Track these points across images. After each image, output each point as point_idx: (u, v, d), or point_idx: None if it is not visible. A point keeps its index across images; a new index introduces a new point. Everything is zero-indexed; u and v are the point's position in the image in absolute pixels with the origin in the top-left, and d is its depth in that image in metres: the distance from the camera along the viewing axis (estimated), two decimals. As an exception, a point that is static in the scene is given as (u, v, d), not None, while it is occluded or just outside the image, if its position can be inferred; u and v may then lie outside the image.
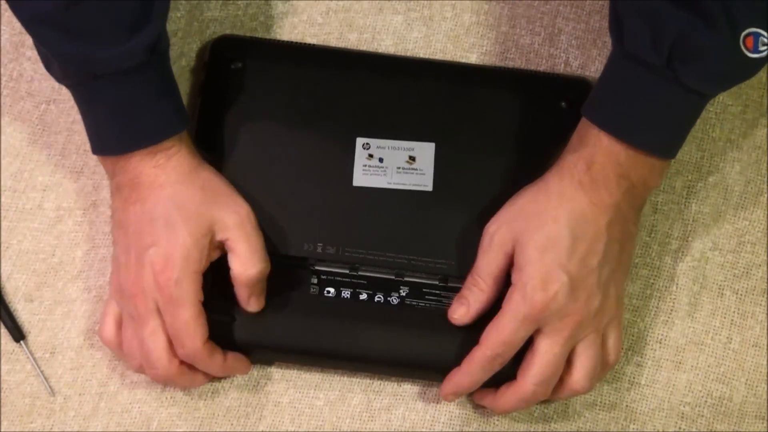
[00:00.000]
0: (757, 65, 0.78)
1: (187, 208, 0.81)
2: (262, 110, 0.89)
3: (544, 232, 0.80)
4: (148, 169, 0.81)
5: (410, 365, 0.85)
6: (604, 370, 0.84)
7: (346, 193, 0.88)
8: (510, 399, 0.82)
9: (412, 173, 0.88)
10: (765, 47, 0.76)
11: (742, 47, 0.76)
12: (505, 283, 0.82)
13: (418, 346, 0.84)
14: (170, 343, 0.81)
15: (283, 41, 0.94)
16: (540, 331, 0.80)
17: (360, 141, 0.89)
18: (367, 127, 0.89)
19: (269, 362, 0.88)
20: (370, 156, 0.89)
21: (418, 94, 0.90)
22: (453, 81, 0.90)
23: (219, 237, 0.82)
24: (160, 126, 0.81)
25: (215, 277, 0.83)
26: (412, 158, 0.89)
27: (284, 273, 0.86)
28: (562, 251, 0.79)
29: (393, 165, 0.88)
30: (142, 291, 0.80)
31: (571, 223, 0.80)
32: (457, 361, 0.83)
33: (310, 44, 0.94)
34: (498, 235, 0.82)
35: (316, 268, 0.87)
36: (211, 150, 0.88)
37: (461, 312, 0.84)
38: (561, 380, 0.82)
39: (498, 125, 0.89)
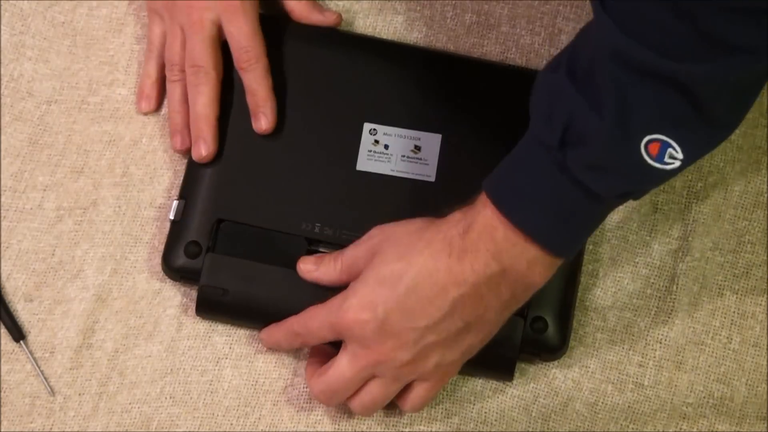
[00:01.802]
0: (662, 176, 0.71)
1: None
2: (273, 87, 0.89)
3: (393, 267, 0.78)
4: None
5: None
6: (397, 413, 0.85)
7: (349, 176, 0.88)
8: (311, 388, 0.83)
9: (416, 162, 0.88)
10: (675, 161, 0.70)
11: (643, 152, 0.70)
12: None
13: None
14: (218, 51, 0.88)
15: (296, 22, 0.94)
16: (344, 346, 0.80)
17: (367, 126, 0.89)
18: (376, 113, 0.89)
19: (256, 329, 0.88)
20: (376, 142, 0.89)
21: (429, 85, 0.90)
22: (464, 74, 0.91)
23: None
24: None
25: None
26: (418, 148, 0.89)
27: (279, 249, 0.86)
28: (394, 295, 0.77)
29: (398, 153, 0.89)
30: (200, 3, 0.87)
31: (419, 278, 0.77)
32: None
33: (323, 27, 0.94)
34: (373, 240, 0.81)
35: (311, 248, 0.87)
36: (221, 124, 0.89)
37: (308, 267, 0.85)
38: (334, 395, 0.82)
39: (506, 122, 0.87)
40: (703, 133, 0.71)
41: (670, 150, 0.70)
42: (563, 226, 0.74)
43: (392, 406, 0.84)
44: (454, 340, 0.79)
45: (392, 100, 0.90)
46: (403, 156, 0.89)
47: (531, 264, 0.75)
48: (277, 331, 0.84)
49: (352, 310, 0.78)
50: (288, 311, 0.84)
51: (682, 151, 0.70)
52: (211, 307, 0.86)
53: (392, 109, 0.89)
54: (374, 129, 0.89)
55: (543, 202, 0.74)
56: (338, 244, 0.86)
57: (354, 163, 0.88)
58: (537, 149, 0.74)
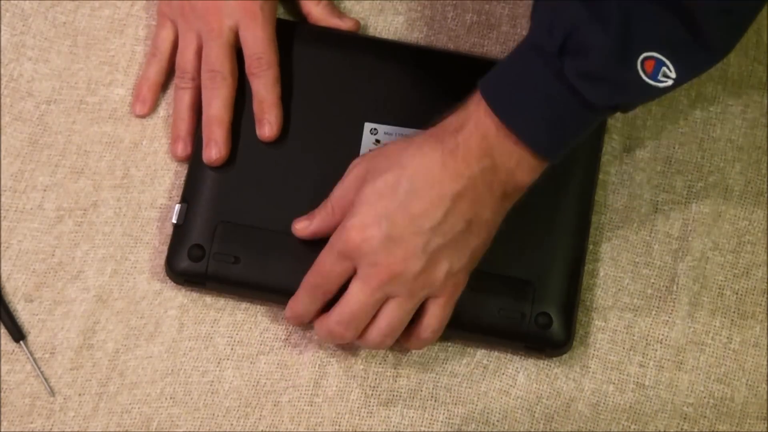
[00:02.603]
0: (654, 92, 0.74)
1: None
2: (282, 96, 0.89)
3: (387, 177, 0.78)
4: None
5: None
6: (413, 341, 0.83)
7: None
8: (318, 329, 0.83)
9: None
10: (668, 79, 0.73)
11: (639, 68, 0.73)
12: None
13: None
14: (235, 58, 0.89)
15: (296, 22, 0.94)
16: (355, 274, 0.80)
17: (368, 126, 0.89)
18: (376, 113, 0.89)
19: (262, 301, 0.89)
20: (377, 141, 0.89)
21: (429, 83, 0.90)
22: (464, 72, 0.89)
23: None
24: None
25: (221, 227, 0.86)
26: None
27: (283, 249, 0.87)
28: (394, 202, 0.78)
29: None
30: (220, 9, 0.88)
31: (415, 178, 0.78)
32: None
33: (324, 27, 0.93)
34: (356, 168, 0.82)
35: None
36: (231, 124, 0.88)
37: (302, 224, 0.84)
38: (352, 324, 0.81)
39: None
40: (698, 56, 0.74)
41: (664, 68, 0.73)
42: (552, 130, 0.76)
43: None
44: (459, 242, 0.79)
45: (392, 99, 0.90)
46: None
47: (519, 163, 0.77)
48: (297, 299, 0.83)
49: (355, 229, 0.78)
50: (300, 278, 0.84)
51: (676, 71, 0.73)
52: (223, 276, 0.86)
53: (393, 108, 0.89)
54: (375, 128, 0.89)
55: (535, 105, 0.76)
56: None
57: None
58: (534, 55, 0.75)
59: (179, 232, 0.87)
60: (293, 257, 0.86)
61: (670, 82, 0.74)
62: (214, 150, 0.88)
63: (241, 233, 0.87)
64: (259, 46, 0.88)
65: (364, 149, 0.88)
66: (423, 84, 0.90)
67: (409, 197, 0.78)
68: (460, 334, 0.87)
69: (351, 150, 0.88)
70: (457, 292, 0.82)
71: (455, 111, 0.79)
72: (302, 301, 0.83)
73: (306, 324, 0.85)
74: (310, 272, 0.82)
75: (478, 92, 0.78)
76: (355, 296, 0.80)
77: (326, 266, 0.81)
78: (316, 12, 0.92)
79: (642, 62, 0.73)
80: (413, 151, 0.79)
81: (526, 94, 0.76)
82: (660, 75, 0.73)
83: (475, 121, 0.77)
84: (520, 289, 0.85)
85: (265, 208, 0.87)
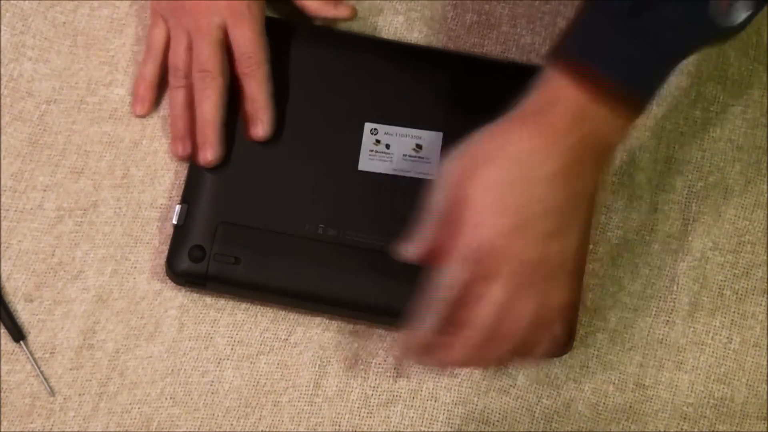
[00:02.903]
0: (727, 32, 0.75)
1: None
2: (274, 89, 0.89)
3: (489, 173, 0.75)
4: None
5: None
6: (541, 328, 0.78)
7: (351, 176, 0.88)
8: (460, 349, 0.77)
9: (418, 161, 0.88)
10: (741, 15, 0.75)
11: (712, 8, 0.74)
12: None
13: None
14: (224, 56, 0.88)
15: (296, 22, 0.93)
16: (482, 276, 0.75)
17: (368, 126, 0.88)
18: (376, 113, 0.89)
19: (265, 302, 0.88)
20: (378, 141, 0.88)
21: (429, 83, 0.90)
22: (465, 72, 0.90)
23: None
24: None
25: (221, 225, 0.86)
26: (419, 146, 0.88)
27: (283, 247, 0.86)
28: (505, 194, 0.75)
29: (399, 152, 0.88)
30: (207, 8, 0.86)
31: (517, 165, 0.75)
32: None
33: (325, 27, 0.94)
34: (447, 174, 0.77)
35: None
36: (223, 124, 0.88)
37: (410, 248, 0.79)
38: (497, 330, 0.76)
39: None
40: None
41: (737, 4, 0.74)
42: (639, 84, 0.76)
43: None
44: (567, 219, 0.76)
45: (392, 99, 0.89)
46: (405, 155, 0.88)
47: (611, 123, 0.76)
48: (412, 328, 0.77)
49: (475, 232, 0.74)
50: (301, 278, 0.84)
51: (747, 8, 0.75)
52: (223, 277, 0.86)
53: (393, 108, 0.89)
54: (375, 129, 0.89)
55: (619, 63, 0.75)
56: (342, 244, 0.86)
57: (356, 163, 0.88)
58: (605, 17, 0.75)
59: (179, 232, 0.87)
60: (294, 258, 0.86)
61: (743, 17, 0.75)
62: (209, 152, 0.87)
63: (241, 234, 0.86)
64: (247, 45, 0.88)
65: (364, 149, 0.88)
66: (423, 83, 0.90)
67: (516, 186, 0.75)
68: None
69: (351, 150, 0.88)
70: (573, 272, 0.79)
71: (530, 92, 0.76)
72: (421, 326, 0.77)
73: (420, 356, 0.80)
74: (427, 292, 0.76)
75: (551, 70, 0.76)
76: (496, 298, 0.75)
77: (452, 277, 0.75)
78: (310, 5, 0.92)
79: (715, 4, 0.74)
80: (508, 140, 0.76)
81: (614, 54, 0.75)
82: (733, 12, 0.74)
83: (562, 95, 0.75)
84: None
85: (265, 209, 0.87)
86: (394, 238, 0.85)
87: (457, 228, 0.75)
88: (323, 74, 0.90)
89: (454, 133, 0.86)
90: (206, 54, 0.88)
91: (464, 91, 0.89)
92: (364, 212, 0.87)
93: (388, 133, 0.88)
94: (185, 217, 0.87)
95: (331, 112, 0.89)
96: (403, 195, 0.87)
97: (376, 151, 0.88)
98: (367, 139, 0.88)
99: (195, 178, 0.88)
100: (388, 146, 0.88)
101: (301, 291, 0.86)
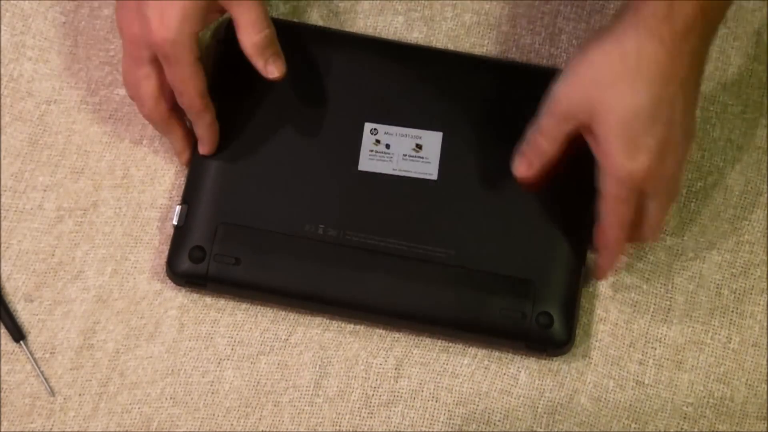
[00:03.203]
0: None
1: None
2: (274, 90, 0.88)
3: (625, 103, 0.76)
4: None
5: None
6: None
7: (351, 177, 0.87)
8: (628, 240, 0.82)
9: (418, 161, 0.88)
10: None
11: None
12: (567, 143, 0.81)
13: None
14: (161, 88, 0.82)
15: (296, 22, 0.93)
16: (646, 196, 0.79)
17: (368, 126, 0.88)
18: (376, 113, 0.88)
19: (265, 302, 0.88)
20: (377, 141, 0.88)
21: (429, 83, 0.89)
22: (465, 72, 0.90)
23: (220, 3, 0.81)
24: None
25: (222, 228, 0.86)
26: (419, 146, 0.88)
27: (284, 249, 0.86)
28: (646, 119, 0.76)
29: (399, 152, 0.88)
30: (138, 40, 0.81)
31: (653, 87, 0.75)
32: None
33: (323, 27, 0.93)
34: (569, 102, 0.78)
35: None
36: (222, 125, 0.87)
37: (522, 170, 0.82)
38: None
39: (507, 118, 0.87)
40: None
41: None
42: None
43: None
44: (691, 120, 0.80)
45: (392, 99, 0.89)
46: (405, 155, 0.88)
47: (720, 9, 0.78)
48: (611, 258, 0.83)
49: (632, 164, 0.76)
50: (301, 279, 0.84)
51: None
52: (224, 278, 0.86)
53: (392, 108, 0.89)
54: (375, 128, 0.88)
55: None
56: (342, 245, 0.85)
57: (356, 163, 0.87)
58: None
59: (180, 233, 0.87)
60: (294, 258, 0.85)
61: None
62: (206, 148, 0.87)
63: (241, 234, 0.86)
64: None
65: (364, 149, 0.88)
66: (422, 83, 0.89)
67: (657, 107, 0.76)
68: (461, 334, 0.86)
69: (351, 150, 0.87)
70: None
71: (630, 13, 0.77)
72: (615, 256, 0.82)
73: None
74: (611, 230, 0.80)
75: None
76: (659, 210, 0.80)
77: (622, 214, 0.79)
78: (247, 46, 0.83)
79: None
80: (635, 62, 0.75)
81: None
82: None
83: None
84: (521, 288, 0.85)
85: (265, 209, 0.86)
86: (395, 238, 0.85)
87: (608, 171, 0.77)
88: (322, 74, 0.90)
89: (454, 133, 0.87)
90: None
91: (464, 91, 0.89)
92: (365, 212, 0.86)
93: (388, 133, 0.88)
94: (185, 218, 0.87)
95: (331, 112, 0.89)
96: (403, 195, 0.87)
97: (376, 151, 0.88)
98: (367, 139, 0.88)
99: (195, 178, 0.88)
100: (388, 146, 0.88)
101: (302, 291, 0.86)
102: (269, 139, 0.88)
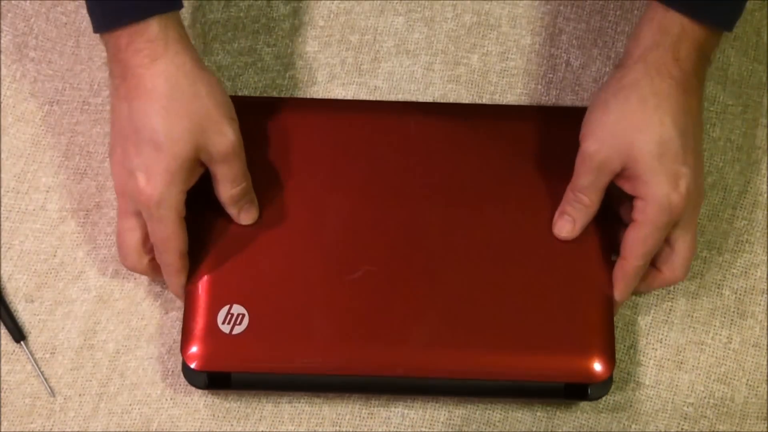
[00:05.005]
0: None
1: (173, 131, 0.77)
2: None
3: (655, 139, 0.78)
4: (134, 65, 0.77)
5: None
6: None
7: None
8: (658, 287, 0.84)
9: None
10: None
11: None
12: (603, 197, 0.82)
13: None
14: (143, 241, 0.81)
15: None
16: (676, 227, 0.80)
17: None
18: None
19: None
20: None
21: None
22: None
23: (204, 161, 0.80)
24: (141, 2, 0.77)
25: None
26: None
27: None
28: (678, 150, 0.78)
29: None
30: (125, 194, 0.79)
31: (676, 122, 0.78)
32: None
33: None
34: (601, 155, 0.79)
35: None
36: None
37: (568, 228, 0.83)
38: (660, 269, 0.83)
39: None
40: None
41: None
42: (738, 6, 0.81)
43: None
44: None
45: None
46: None
47: (715, 44, 0.81)
48: (626, 289, 0.82)
49: (673, 196, 0.78)
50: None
51: None
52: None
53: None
54: None
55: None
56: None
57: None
58: None
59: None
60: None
61: None
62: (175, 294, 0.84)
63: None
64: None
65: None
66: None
67: (684, 138, 0.78)
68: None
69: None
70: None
71: (649, 47, 0.79)
72: (630, 286, 0.82)
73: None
74: (635, 258, 0.81)
75: (668, 17, 0.78)
76: (690, 243, 0.81)
77: (653, 244, 0.80)
78: (226, 197, 0.82)
79: None
80: (656, 103, 0.78)
81: None
82: None
83: (688, 40, 0.78)
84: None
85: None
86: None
87: (647, 202, 0.79)
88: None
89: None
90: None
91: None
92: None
93: None
94: None
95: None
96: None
97: None
98: None
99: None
100: None
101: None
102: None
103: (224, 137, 0.79)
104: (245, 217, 0.82)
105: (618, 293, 0.82)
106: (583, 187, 0.81)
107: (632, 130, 0.78)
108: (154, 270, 0.82)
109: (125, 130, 0.78)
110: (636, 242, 0.80)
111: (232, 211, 0.82)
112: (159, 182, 0.77)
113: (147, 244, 0.81)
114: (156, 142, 0.77)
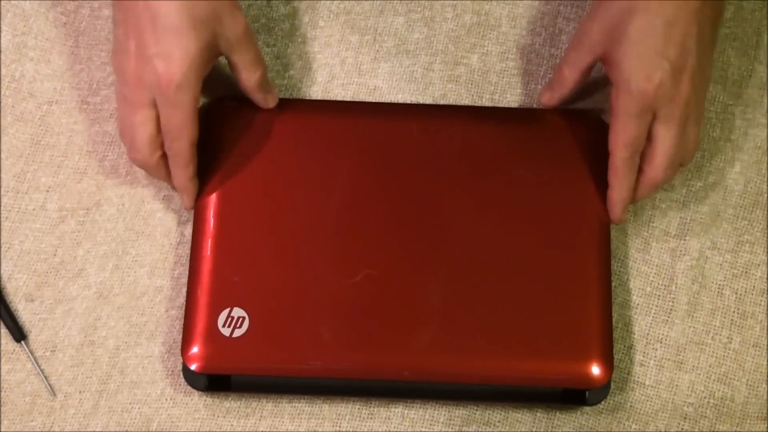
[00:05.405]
0: None
1: (194, 16, 0.79)
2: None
3: (636, 24, 0.79)
4: None
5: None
6: (682, 163, 0.84)
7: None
8: (644, 190, 0.83)
9: None
10: None
11: None
12: (588, 76, 0.85)
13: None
14: (156, 134, 0.81)
15: (280, 101, 0.88)
16: (655, 119, 0.80)
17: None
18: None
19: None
20: None
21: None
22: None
23: (221, 49, 0.82)
24: None
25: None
26: None
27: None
28: (658, 39, 0.79)
29: None
30: (141, 83, 0.80)
31: (666, 11, 0.78)
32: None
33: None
34: (591, 34, 0.82)
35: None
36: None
37: (547, 96, 0.87)
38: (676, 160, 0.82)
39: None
40: None
41: None
42: None
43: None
44: (706, 58, 0.82)
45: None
46: None
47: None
48: (620, 185, 0.82)
49: (641, 83, 0.78)
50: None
51: None
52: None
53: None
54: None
55: None
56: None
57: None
58: None
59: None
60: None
61: None
62: (187, 202, 0.84)
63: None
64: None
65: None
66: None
67: (668, 29, 0.78)
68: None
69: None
70: (702, 111, 0.84)
71: None
72: (624, 180, 0.82)
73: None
74: (619, 150, 0.81)
75: None
76: (668, 137, 0.80)
77: (631, 131, 0.80)
78: (251, 82, 0.84)
79: None
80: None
81: None
82: None
83: None
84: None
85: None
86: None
87: (619, 89, 0.80)
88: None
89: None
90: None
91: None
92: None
93: None
94: None
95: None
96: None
97: None
98: None
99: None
100: None
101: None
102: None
103: (239, 21, 0.82)
104: (272, 100, 0.86)
105: (612, 191, 0.83)
106: (569, 61, 0.84)
107: (624, 15, 0.79)
108: (163, 166, 0.83)
109: (141, 22, 0.79)
110: (613, 133, 0.81)
111: (257, 96, 0.85)
112: (179, 66, 0.78)
113: (158, 138, 0.81)
114: (176, 27, 0.78)
